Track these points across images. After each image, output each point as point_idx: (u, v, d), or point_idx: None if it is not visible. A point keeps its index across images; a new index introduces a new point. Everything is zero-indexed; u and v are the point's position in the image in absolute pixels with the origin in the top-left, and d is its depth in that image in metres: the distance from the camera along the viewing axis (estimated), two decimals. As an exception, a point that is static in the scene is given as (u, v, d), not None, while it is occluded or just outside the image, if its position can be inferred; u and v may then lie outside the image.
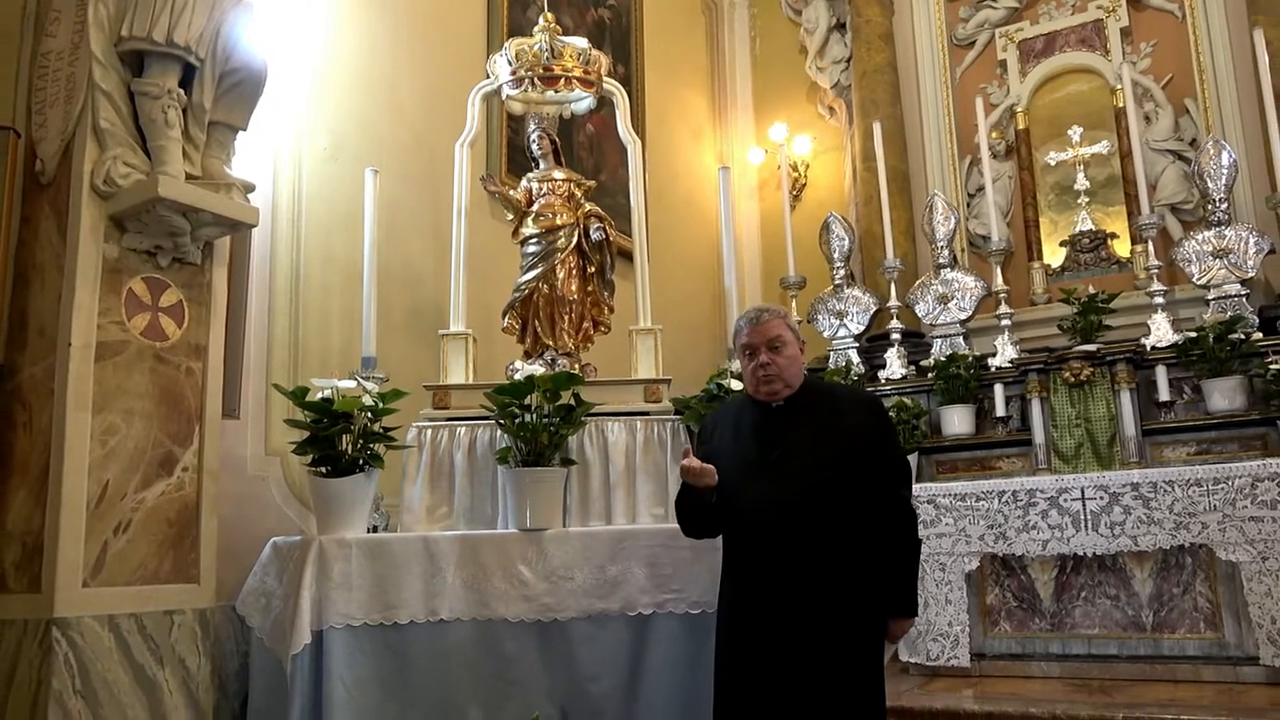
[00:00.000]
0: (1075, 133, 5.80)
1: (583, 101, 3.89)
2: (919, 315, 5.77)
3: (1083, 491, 4.27)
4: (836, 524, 2.45)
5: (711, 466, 2.50)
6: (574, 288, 3.66)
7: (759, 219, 7.12)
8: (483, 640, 2.93)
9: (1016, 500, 4.38)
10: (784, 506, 2.45)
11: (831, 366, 5.71)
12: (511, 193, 3.79)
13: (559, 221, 3.66)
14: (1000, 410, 5.09)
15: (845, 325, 5.89)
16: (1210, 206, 5.12)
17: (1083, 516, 4.25)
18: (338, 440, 2.97)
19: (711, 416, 2.84)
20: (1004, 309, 5.37)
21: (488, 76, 3.85)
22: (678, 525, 2.76)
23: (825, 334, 5.95)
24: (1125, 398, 4.72)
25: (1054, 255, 5.92)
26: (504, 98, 3.84)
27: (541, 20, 3.74)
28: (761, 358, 2.55)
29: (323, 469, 3.00)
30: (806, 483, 2.46)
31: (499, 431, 3.24)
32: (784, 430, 2.55)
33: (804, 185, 6.93)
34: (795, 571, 2.42)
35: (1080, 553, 4.24)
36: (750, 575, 2.50)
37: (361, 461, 3.01)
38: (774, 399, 2.59)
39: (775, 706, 2.39)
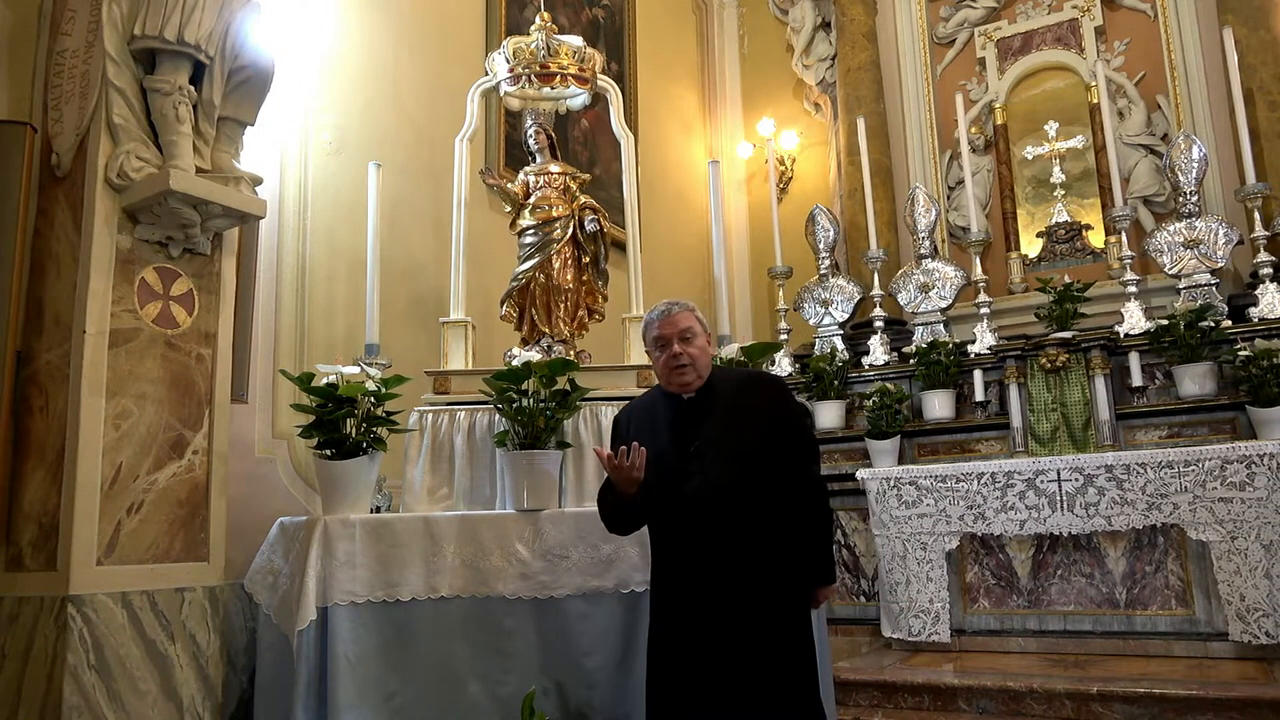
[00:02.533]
0: (1051, 128, 5.88)
1: (578, 98, 3.91)
2: (901, 304, 5.85)
3: (1059, 473, 4.36)
4: (758, 507, 2.48)
5: (642, 450, 2.46)
6: (569, 277, 3.69)
7: (747, 211, 7.18)
8: (481, 616, 2.95)
9: (995, 482, 4.46)
10: (708, 496, 2.46)
11: (817, 353, 5.79)
12: (509, 186, 3.81)
13: (555, 213, 3.69)
14: (979, 395, 5.17)
15: (830, 313, 5.96)
16: (1181, 199, 5.19)
17: (1059, 497, 4.33)
18: (342, 424, 3.00)
19: (624, 414, 2.77)
20: (983, 298, 5.43)
21: (486, 74, 3.87)
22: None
23: (811, 322, 6.02)
24: (1099, 383, 4.79)
25: (1031, 246, 5.98)
26: (502, 94, 3.86)
27: (538, 19, 3.77)
28: (674, 348, 2.55)
29: (328, 452, 3.03)
30: (726, 471, 2.47)
31: (497, 415, 3.27)
32: (699, 422, 2.55)
33: (791, 178, 6.99)
34: (724, 557, 2.44)
35: (1056, 532, 4.32)
36: (680, 565, 2.50)
37: (365, 444, 3.03)
38: (686, 390, 2.59)
39: (713, 684, 2.40)
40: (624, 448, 2.48)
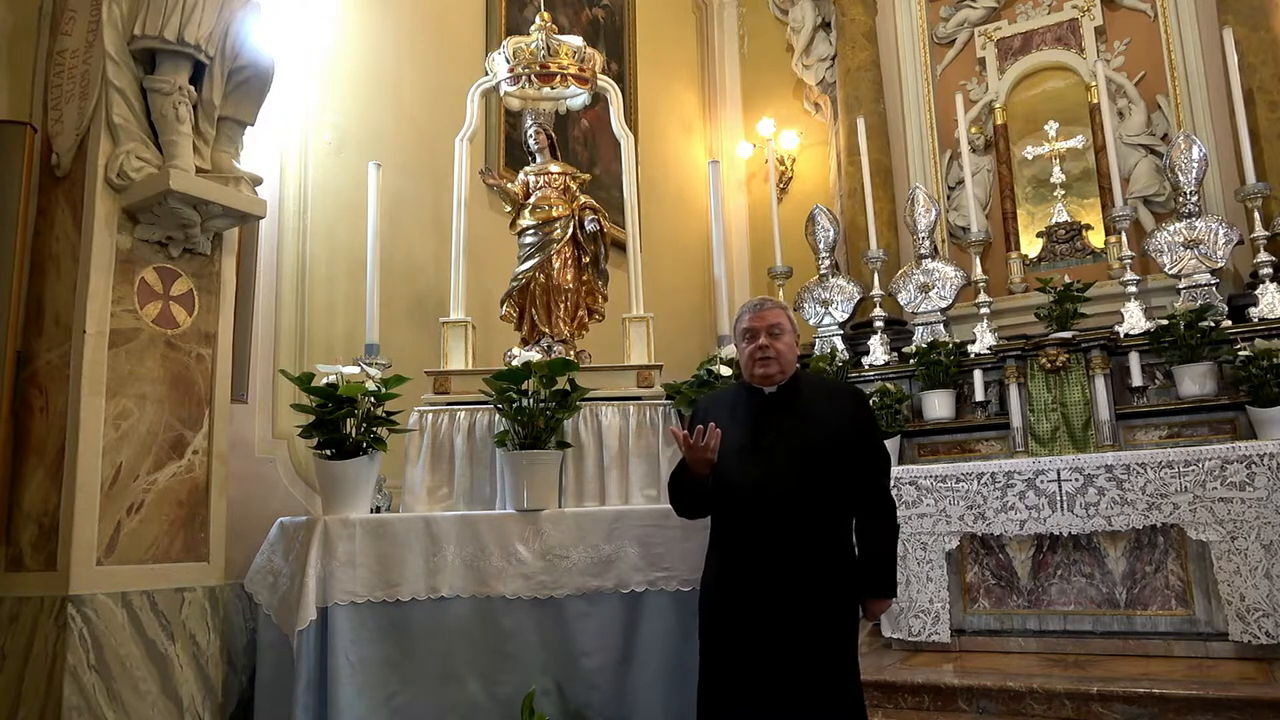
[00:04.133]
0: (1051, 128, 5.87)
1: (578, 98, 3.90)
2: (901, 304, 5.86)
3: (1059, 473, 4.34)
4: (823, 507, 2.52)
5: (717, 431, 2.51)
6: (569, 277, 3.68)
7: (747, 211, 7.19)
8: (481, 617, 2.94)
9: (995, 482, 4.45)
10: (775, 489, 2.51)
11: (817, 353, 5.79)
12: (509, 186, 3.80)
13: (555, 213, 3.68)
14: (979, 395, 5.17)
15: (830, 313, 5.97)
16: (1181, 199, 5.19)
17: (1059, 497, 4.32)
18: (342, 424, 2.99)
19: (703, 402, 2.87)
20: (983, 298, 5.44)
21: (486, 74, 3.86)
22: (669, 505, 2.80)
23: (811, 322, 6.03)
24: (1099, 383, 4.79)
25: (1031, 246, 5.99)
26: (502, 94, 3.85)
27: (538, 19, 3.76)
28: (761, 340, 2.64)
29: (328, 452, 3.02)
30: (797, 467, 2.52)
31: (497, 415, 3.26)
32: (776, 416, 2.62)
33: (791, 178, 7.00)
34: (782, 551, 2.48)
35: (1056, 532, 4.31)
36: (739, 554, 2.55)
37: (365, 444, 3.02)
38: (768, 383, 2.67)
39: (759, 679, 2.45)
40: (700, 428, 2.51)
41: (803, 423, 2.59)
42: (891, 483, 2.74)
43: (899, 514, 4.49)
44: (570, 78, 3.73)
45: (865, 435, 2.66)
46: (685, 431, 2.56)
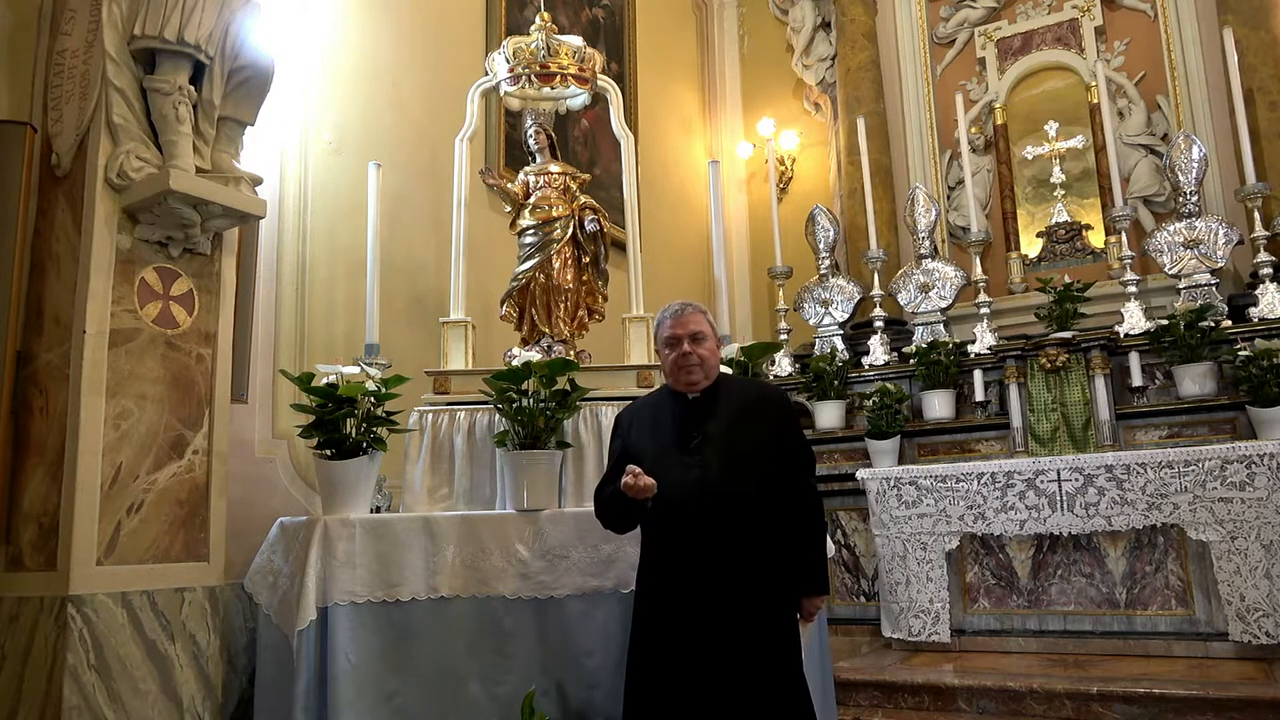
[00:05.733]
0: (1051, 128, 5.88)
1: (578, 98, 3.91)
2: (901, 304, 5.85)
3: (1059, 473, 4.35)
4: (751, 507, 2.52)
5: (650, 480, 2.46)
6: (569, 277, 3.69)
7: (747, 211, 7.19)
8: (481, 616, 2.95)
9: (995, 482, 4.46)
10: (703, 491, 2.49)
11: (817, 353, 5.79)
12: (509, 186, 3.81)
13: (555, 213, 3.69)
14: (979, 395, 5.17)
15: (830, 313, 5.97)
16: (1181, 199, 5.19)
17: (1059, 497, 4.33)
18: (342, 424, 2.99)
19: (627, 412, 2.82)
20: (983, 298, 5.44)
21: (486, 74, 3.87)
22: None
23: (811, 322, 6.02)
24: (1099, 383, 4.79)
25: (1031, 246, 5.99)
26: (502, 94, 3.86)
27: (538, 19, 3.76)
28: (684, 347, 2.62)
29: (328, 452, 3.02)
30: (723, 469, 2.52)
31: (497, 415, 3.26)
32: (701, 420, 2.60)
33: (790, 178, 7.01)
34: (714, 552, 2.47)
35: (1056, 532, 4.32)
36: (670, 557, 2.52)
37: (365, 444, 3.03)
38: (693, 389, 2.65)
39: (695, 684, 2.42)
40: (631, 472, 2.47)
41: (728, 424, 2.58)
42: (816, 480, 2.72)
43: (899, 514, 4.60)
44: (570, 78, 3.73)
45: (790, 435, 2.65)
46: (630, 480, 2.47)
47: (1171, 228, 5.17)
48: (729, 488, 2.50)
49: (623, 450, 2.67)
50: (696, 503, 2.49)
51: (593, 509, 2.77)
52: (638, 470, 2.47)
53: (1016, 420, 4.97)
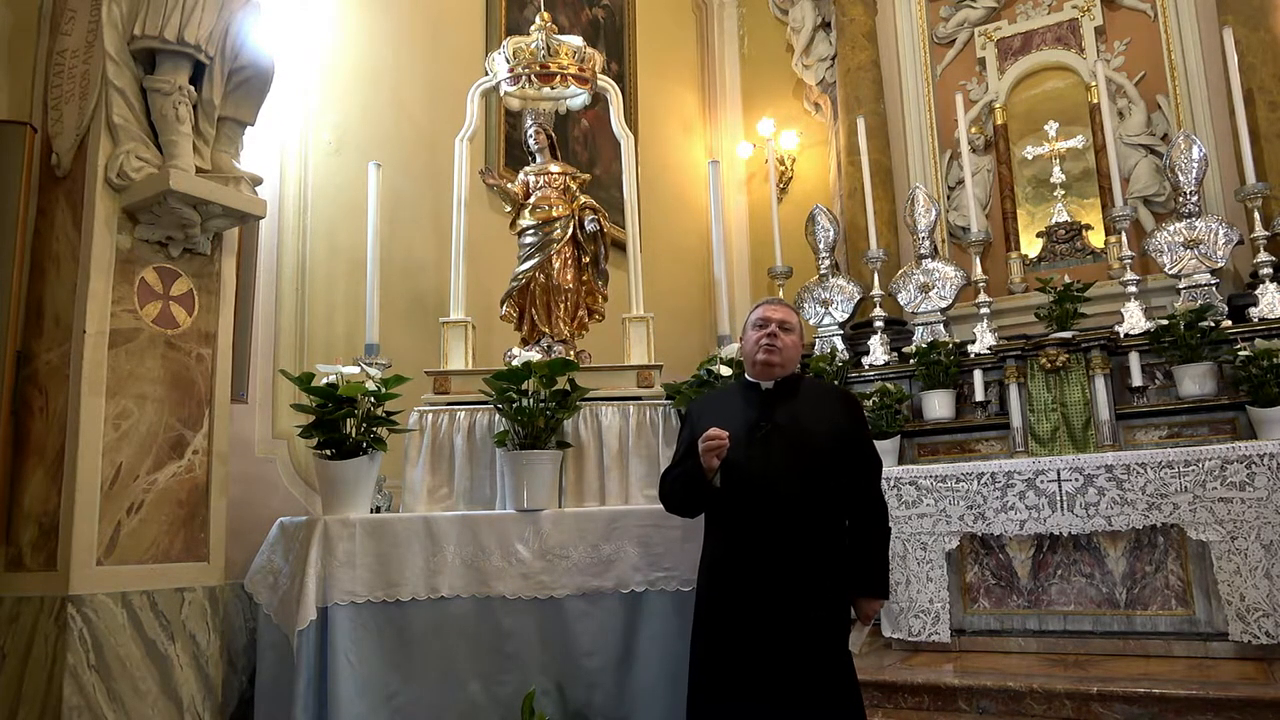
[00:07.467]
0: (1051, 128, 5.87)
1: (578, 98, 3.90)
2: (901, 304, 5.85)
3: (1059, 473, 4.33)
4: (816, 501, 2.55)
5: (722, 432, 2.51)
6: (569, 277, 3.68)
7: (747, 211, 7.19)
8: (481, 617, 2.95)
9: (995, 482, 4.44)
10: (769, 478, 2.54)
11: (817, 353, 5.78)
12: (509, 186, 3.80)
13: (555, 213, 3.69)
14: (979, 395, 5.17)
15: (830, 313, 5.97)
16: (1181, 199, 5.18)
17: (1059, 497, 4.32)
18: (342, 424, 3.00)
19: (699, 401, 2.88)
20: (983, 298, 5.43)
21: (486, 74, 3.87)
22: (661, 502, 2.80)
23: (811, 322, 6.01)
24: (1099, 383, 4.78)
25: (1031, 246, 5.99)
26: (502, 94, 3.85)
27: (538, 19, 3.76)
28: (771, 328, 2.69)
29: (328, 452, 3.02)
30: (791, 459, 2.56)
31: (497, 415, 3.27)
32: (772, 410, 2.65)
33: (791, 178, 7.01)
34: (776, 540, 2.51)
35: (1056, 532, 4.31)
36: (733, 542, 2.57)
37: (365, 444, 3.03)
38: (769, 375, 2.70)
39: (755, 670, 2.46)
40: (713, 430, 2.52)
41: (796, 419, 2.63)
42: (884, 486, 2.77)
43: (899, 514, 4.59)
44: (570, 78, 3.73)
45: (859, 438, 2.70)
46: (711, 432, 2.53)
47: (1171, 228, 5.17)
48: (793, 479, 2.54)
49: (691, 438, 2.67)
50: (761, 491, 2.53)
51: (593, 508, 2.80)
52: (722, 433, 2.50)
53: (1016, 420, 4.97)
